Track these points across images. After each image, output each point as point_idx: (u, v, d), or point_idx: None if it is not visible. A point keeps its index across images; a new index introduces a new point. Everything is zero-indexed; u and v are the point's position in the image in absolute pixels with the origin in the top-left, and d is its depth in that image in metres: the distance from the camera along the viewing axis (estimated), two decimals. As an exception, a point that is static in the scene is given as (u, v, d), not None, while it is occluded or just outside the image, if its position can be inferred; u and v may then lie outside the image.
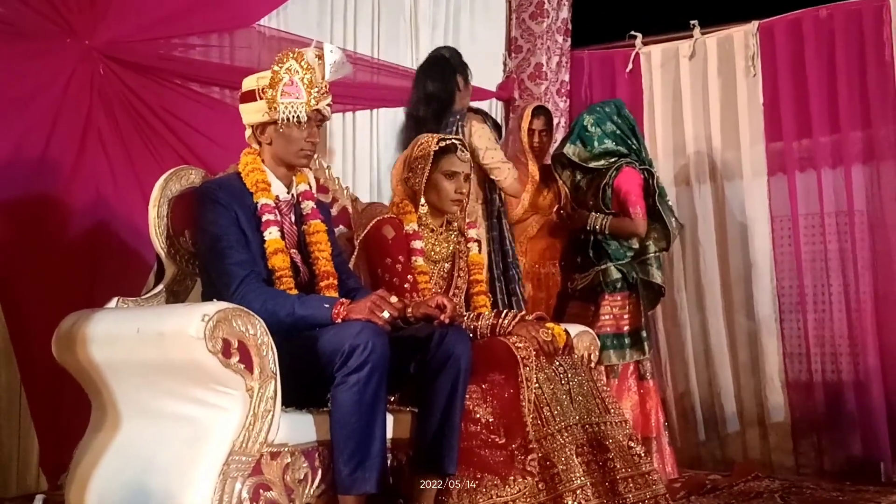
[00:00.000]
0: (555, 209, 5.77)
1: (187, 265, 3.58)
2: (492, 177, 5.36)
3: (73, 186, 4.12)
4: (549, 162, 5.82)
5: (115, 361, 3.13)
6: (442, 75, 5.41)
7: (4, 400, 4.15)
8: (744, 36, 6.41)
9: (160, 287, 3.51)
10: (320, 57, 3.45)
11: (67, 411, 3.84)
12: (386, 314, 3.18)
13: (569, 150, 5.58)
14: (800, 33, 6.23)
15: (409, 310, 3.44)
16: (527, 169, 5.68)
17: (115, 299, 3.32)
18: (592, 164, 5.55)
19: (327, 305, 3.23)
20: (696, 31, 6.59)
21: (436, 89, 5.35)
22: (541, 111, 5.83)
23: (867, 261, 5.98)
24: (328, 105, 3.51)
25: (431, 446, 3.35)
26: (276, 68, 3.41)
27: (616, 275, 5.45)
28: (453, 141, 4.07)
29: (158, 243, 3.50)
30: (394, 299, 3.28)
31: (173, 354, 2.93)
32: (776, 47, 6.30)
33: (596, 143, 5.53)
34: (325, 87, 3.48)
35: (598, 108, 5.69)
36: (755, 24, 6.37)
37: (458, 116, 5.30)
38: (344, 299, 3.28)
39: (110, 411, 3.21)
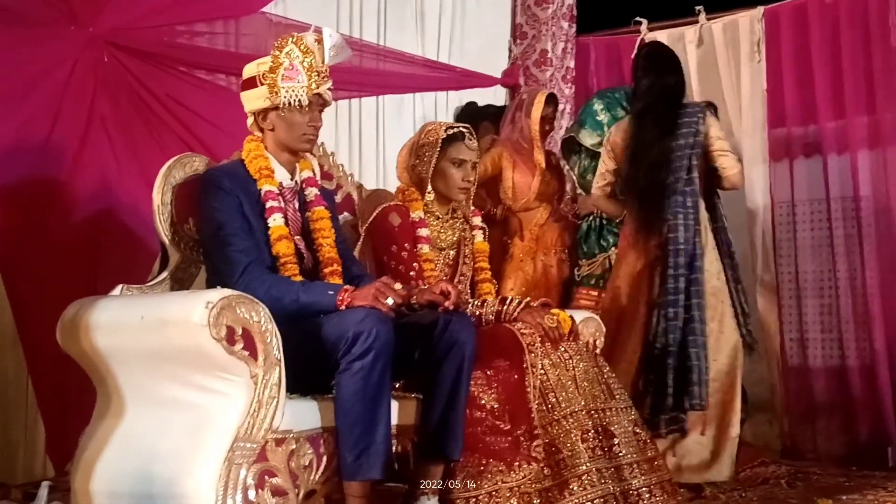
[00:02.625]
0: (562, 203, 5.77)
1: (192, 252, 3.58)
2: (716, 164, 5.10)
3: (78, 174, 4.12)
4: (549, 148, 5.80)
5: (119, 349, 3.13)
6: (676, 67, 5.28)
7: (11, 387, 4.16)
8: (749, 21, 6.41)
9: (164, 274, 3.51)
10: (319, 41, 3.44)
11: (73, 398, 3.85)
12: (390, 301, 3.18)
13: (581, 134, 5.57)
14: (805, 19, 6.23)
15: (414, 296, 3.44)
16: (531, 157, 5.65)
17: (120, 287, 3.32)
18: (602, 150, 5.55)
19: (331, 292, 3.22)
20: (702, 17, 6.59)
21: (674, 82, 5.20)
22: (552, 98, 5.80)
23: (873, 246, 5.98)
24: (329, 89, 3.49)
25: (436, 433, 3.36)
26: (275, 53, 3.39)
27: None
28: (461, 129, 4.06)
29: (162, 230, 3.50)
30: (398, 286, 3.27)
31: (177, 342, 2.94)
32: (781, 33, 6.30)
33: (605, 129, 5.53)
34: (326, 70, 3.46)
35: (608, 94, 5.70)
36: (761, 9, 6.37)
37: (697, 109, 5.12)
38: (348, 286, 3.27)
39: (115, 398, 3.21)
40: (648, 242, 4.98)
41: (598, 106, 5.58)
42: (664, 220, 4.93)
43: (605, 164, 5.23)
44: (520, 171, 5.60)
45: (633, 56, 5.37)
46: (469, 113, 6.33)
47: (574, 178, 5.77)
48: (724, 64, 6.48)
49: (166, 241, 3.51)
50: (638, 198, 5.04)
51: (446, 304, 3.40)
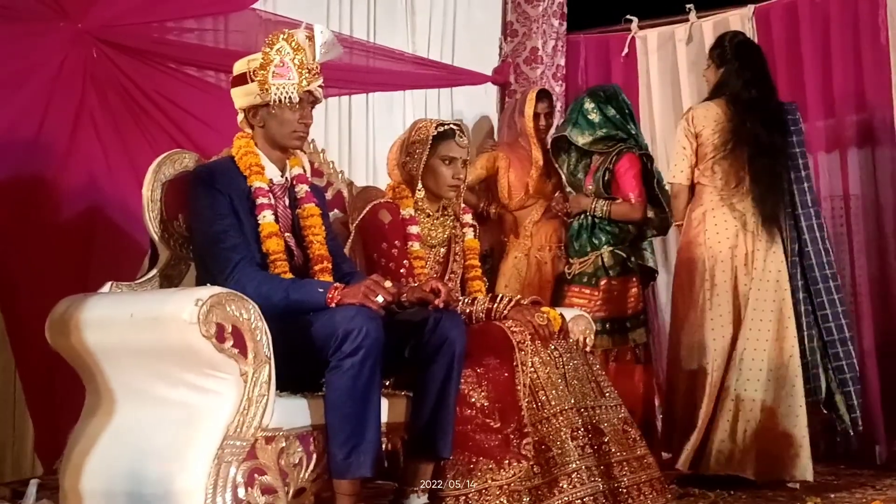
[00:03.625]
0: (553, 201, 5.78)
1: (181, 249, 3.57)
2: None
3: (67, 170, 4.10)
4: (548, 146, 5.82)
5: (108, 346, 3.12)
6: (766, 61, 5.25)
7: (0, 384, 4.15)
8: (740, 20, 6.40)
9: (154, 272, 3.50)
10: (310, 38, 3.44)
11: (62, 396, 3.83)
12: (380, 299, 3.17)
13: (572, 133, 5.56)
14: (795, 17, 6.22)
15: (404, 294, 3.44)
16: (529, 154, 5.66)
17: (109, 284, 3.31)
18: (594, 149, 5.54)
19: (321, 290, 3.22)
20: (692, 15, 6.59)
21: (771, 77, 5.22)
22: (544, 94, 5.80)
23: (862, 245, 5.97)
24: (320, 86, 3.49)
25: (426, 430, 3.36)
26: (266, 50, 3.39)
27: (615, 259, 5.44)
28: (452, 126, 4.06)
29: (152, 227, 3.49)
30: (388, 284, 3.27)
31: (167, 339, 2.93)
32: (772, 31, 6.29)
33: (597, 128, 5.52)
34: (317, 68, 3.47)
35: (598, 92, 5.68)
36: (751, 7, 6.37)
37: (795, 108, 5.14)
38: (338, 284, 3.27)
39: (104, 396, 3.20)
40: (761, 230, 4.99)
41: (588, 105, 5.57)
42: (784, 211, 4.99)
43: (686, 153, 5.15)
44: (515, 171, 5.65)
45: (714, 45, 5.31)
46: None
47: (564, 176, 5.77)
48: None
49: (156, 237, 3.51)
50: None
51: (436, 301, 3.40)
